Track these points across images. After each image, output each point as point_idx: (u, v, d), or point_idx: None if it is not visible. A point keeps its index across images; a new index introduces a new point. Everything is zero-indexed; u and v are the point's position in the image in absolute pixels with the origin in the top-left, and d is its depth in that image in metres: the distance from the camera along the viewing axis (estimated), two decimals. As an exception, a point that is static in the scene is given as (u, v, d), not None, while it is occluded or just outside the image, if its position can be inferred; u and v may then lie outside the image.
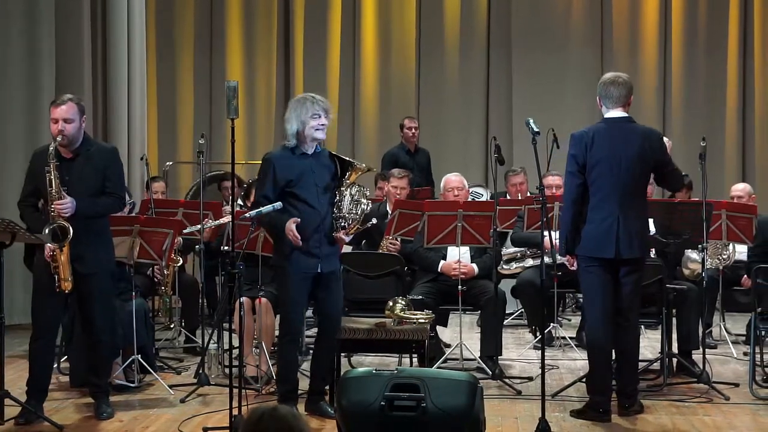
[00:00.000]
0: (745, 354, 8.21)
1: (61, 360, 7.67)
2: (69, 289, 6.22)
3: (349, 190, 6.49)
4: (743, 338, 8.89)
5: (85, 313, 6.50)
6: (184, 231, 8.08)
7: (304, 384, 6.81)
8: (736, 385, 7.36)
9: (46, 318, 6.40)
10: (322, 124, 6.42)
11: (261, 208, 6.22)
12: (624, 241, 6.41)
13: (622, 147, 6.46)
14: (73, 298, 6.50)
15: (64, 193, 6.16)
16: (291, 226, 6.24)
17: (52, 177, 6.14)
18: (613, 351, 6.80)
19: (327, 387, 6.69)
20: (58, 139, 6.19)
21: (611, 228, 6.41)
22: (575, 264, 6.62)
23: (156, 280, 8.36)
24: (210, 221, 8.22)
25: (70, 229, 6.10)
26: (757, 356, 7.50)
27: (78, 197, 6.21)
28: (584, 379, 6.93)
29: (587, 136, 6.52)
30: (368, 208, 6.58)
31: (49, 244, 6.12)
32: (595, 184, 6.48)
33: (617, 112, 6.57)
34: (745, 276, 8.28)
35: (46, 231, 6.09)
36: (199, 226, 7.95)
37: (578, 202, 6.51)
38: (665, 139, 6.99)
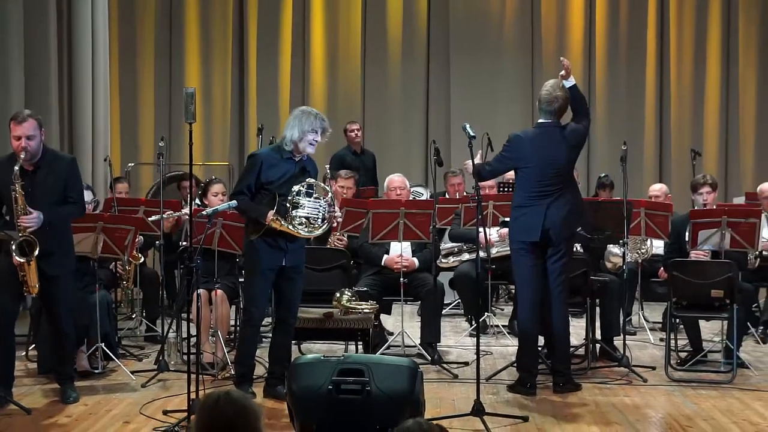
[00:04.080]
0: (661, 340, 8.31)
1: (29, 348, 7.61)
2: (36, 293, 6.21)
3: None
4: (660, 325, 9.02)
5: (50, 309, 6.47)
6: (149, 219, 8.09)
7: (258, 370, 6.82)
8: (653, 368, 7.48)
9: (4, 312, 6.34)
10: (316, 140, 6.43)
11: (217, 206, 6.35)
12: (552, 225, 6.63)
13: (550, 148, 6.70)
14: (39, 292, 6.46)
15: (30, 209, 6.10)
16: (270, 216, 6.28)
17: (18, 195, 6.08)
18: (546, 334, 6.96)
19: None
20: (22, 155, 6.12)
21: (540, 216, 6.63)
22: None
23: (118, 275, 8.31)
24: (169, 212, 8.21)
25: (37, 243, 6.07)
26: (672, 342, 7.62)
27: (42, 207, 6.16)
28: (515, 363, 7.01)
29: (521, 140, 6.81)
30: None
31: (16, 258, 6.08)
32: (526, 178, 6.74)
33: (547, 118, 6.81)
34: (662, 269, 8.38)
35: (13, 247, 6.05)
36: (159, 216, 7.99)
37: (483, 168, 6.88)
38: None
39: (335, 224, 6.66)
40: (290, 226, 6.35)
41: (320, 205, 6.42)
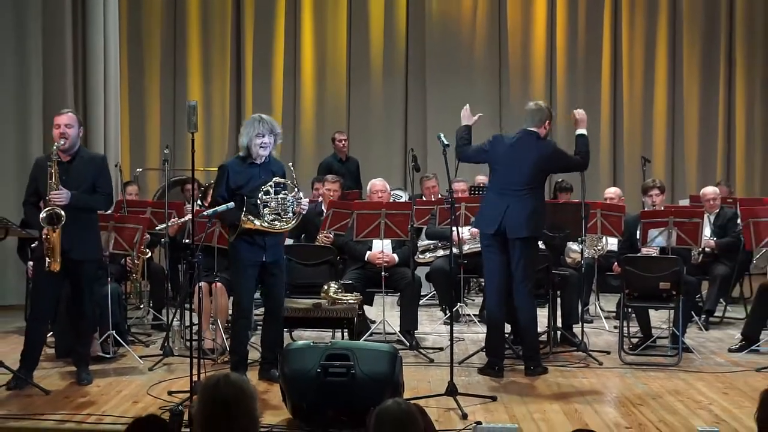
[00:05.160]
0: (615, 327, 8.31)
1: (48, 335, 7.57)
2: (57, 269, 6.14)
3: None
4: (614, 314, 9.00)
5: (75, 292, 6.46)
6: (156, 228, 8.08)
7: (253, 355, 6.81)
8: (608, 352, 7.49)
9: (45, 301, 6.39)
10: (265, 143, 6.37)
11: (217, 207, 6.24)
12: (510, 223, 6.62)
13: (521, 153, 6.71)
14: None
15: (61, 187, 6.14)
16: (242, 217, 6.26)
17: (53, 171, 6.13)
18: (512, 322, 6.98)
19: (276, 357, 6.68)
20: (61, 142, 6.21)
21: (500, 211, 6.65)
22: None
23: (128, 269, 8.29)
24: (174, 219, 8.20)
25: (63, 215, 6.08)
26: (625, 329, 7.64)
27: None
28: (484, 348, 7.02)
29: (501, 139, 6.93)
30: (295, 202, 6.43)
31: (44, 226, 6.08)
32: (497, 177, 6.79)
33: (531, 126, 6.86)
34: (616, 263, 8.41)
35: (44, 215, 6.07)
36: (165, 225, 7.97)
37: (466, 149, 6.95)
38: (578, 110, 7.36)
39: (303, 211, 6.53)
40: (263, 224, 6.32)
41: (288, 200, 6.37)
